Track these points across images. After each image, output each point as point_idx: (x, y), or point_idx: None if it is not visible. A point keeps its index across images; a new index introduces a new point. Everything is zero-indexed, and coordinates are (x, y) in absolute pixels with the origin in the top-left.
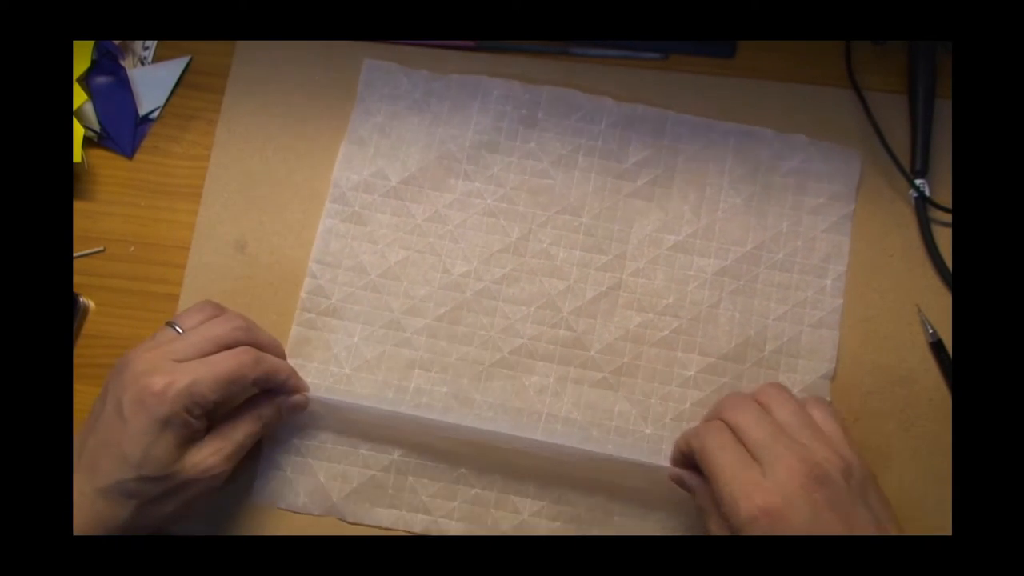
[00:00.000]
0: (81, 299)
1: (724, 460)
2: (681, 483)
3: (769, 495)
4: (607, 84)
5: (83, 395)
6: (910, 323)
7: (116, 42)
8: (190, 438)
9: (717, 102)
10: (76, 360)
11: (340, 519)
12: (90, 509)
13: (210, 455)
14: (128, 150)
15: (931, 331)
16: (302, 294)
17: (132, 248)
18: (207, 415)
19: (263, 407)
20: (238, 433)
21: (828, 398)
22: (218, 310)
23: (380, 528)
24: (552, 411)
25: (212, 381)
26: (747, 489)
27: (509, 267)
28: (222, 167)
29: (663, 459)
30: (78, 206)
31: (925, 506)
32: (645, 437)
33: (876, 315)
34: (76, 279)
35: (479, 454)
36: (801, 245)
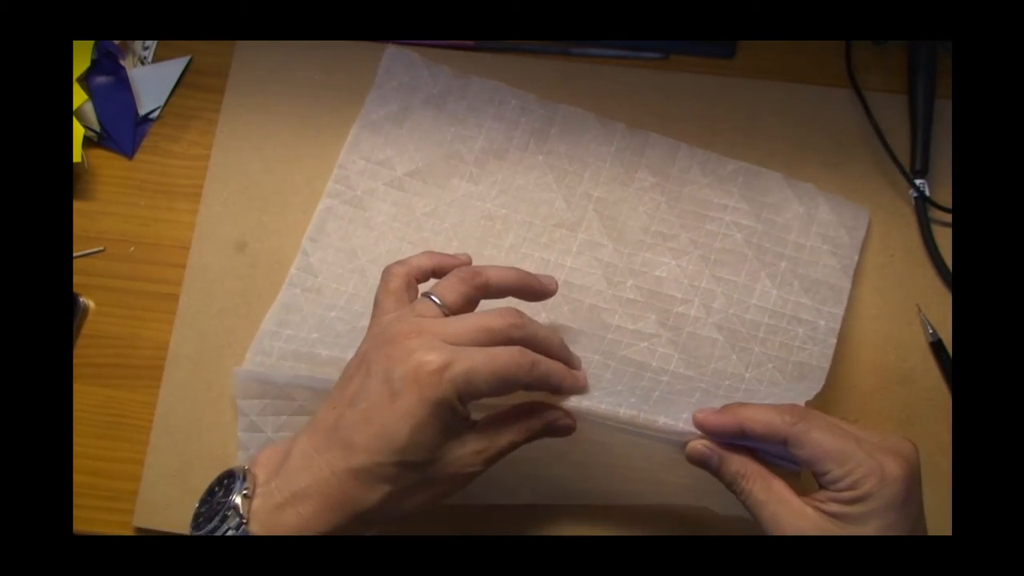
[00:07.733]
0: (81, 299)
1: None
2: (704, 459)
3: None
4: (607, 84)
5: (83, 395)
6: (910, 323)
7: (116, 42)
8: (455, 429)
9: (717, 102)
10: (76, 360)
11: None
12: (338, 489)
13: (472, 453)
14: (128, 150)
15: (931, 331)
16: (292, 270)
17: (132, 248)
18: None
19: (534, 419)
20: (503, 439)
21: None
22: (478, 287)
23: None
24: None
25: (489, 374)
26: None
27: None
28: (222, 167)
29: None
30: (78, 206)
31: (925, 506)
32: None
33: (876, 315)
34: (76, 279)
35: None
36: (797, 286)
